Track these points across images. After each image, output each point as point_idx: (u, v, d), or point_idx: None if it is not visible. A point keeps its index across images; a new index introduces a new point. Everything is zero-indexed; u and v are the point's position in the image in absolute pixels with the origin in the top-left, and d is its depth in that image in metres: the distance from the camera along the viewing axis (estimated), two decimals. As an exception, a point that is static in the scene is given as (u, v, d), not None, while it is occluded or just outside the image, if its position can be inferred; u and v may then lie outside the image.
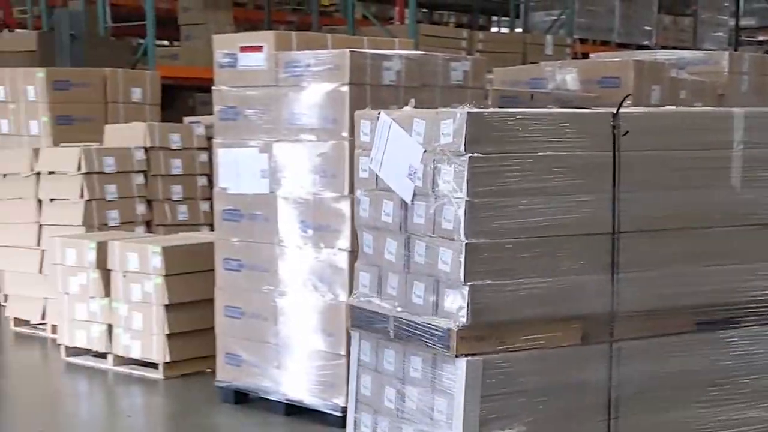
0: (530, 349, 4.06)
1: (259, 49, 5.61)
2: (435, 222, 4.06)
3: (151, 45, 12.09)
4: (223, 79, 5.83)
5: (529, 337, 4.06)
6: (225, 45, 5.86)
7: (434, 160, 4.03)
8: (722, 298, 4.43)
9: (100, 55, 11.67)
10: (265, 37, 5.73)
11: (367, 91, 5.35)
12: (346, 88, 5.31)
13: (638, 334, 4.26)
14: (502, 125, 3.99)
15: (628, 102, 4.59)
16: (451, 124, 3.95)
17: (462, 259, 3.94)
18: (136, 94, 9.43)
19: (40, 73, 8.96)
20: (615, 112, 4.17)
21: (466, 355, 3.96)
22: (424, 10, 20.60)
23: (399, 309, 4.23)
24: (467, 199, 3.92)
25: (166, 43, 17.13)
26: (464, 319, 3.95)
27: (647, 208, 4.25)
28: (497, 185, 3.97)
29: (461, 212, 3.92)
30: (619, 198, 4.17)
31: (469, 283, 3.95)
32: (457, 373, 3.98)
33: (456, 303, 3.98)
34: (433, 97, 5.52)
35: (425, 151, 4.07)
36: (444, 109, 4.13)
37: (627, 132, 4.16)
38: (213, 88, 5.88)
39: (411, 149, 4.13)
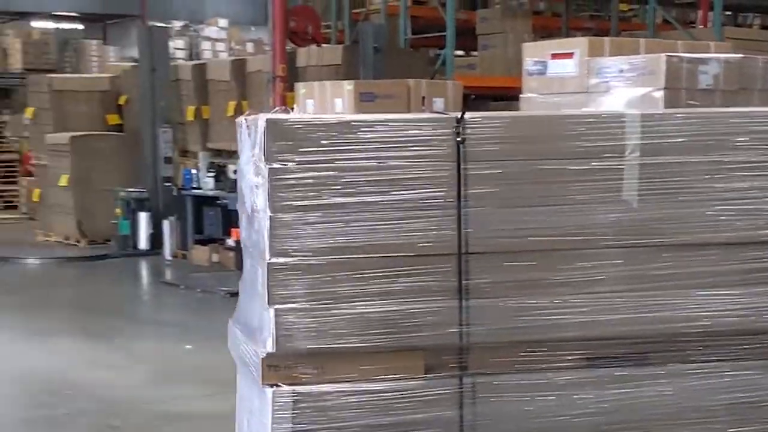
0: (357, 381, 3.58)
1: (569, 55, 5.52)
2: (257, 239, 3.72)
3: (450, 55, 12.27)
4: (532, 86, 5.78)
5: (356, 367, 3.58)
6: (535, 53, 5.81)
7: (253, 170, 3.68)
8: (613, 332, 3.72)
9: (399, 67, 12.00)
10: (578, 44, 5.63)
11: (682, 96, 5.14)
12: (659, 93, 5.10)
13: (500, 369, 3.68)
14: (309, 133, 3.55)
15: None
16: (258, 131, 3.56)
17: (265, 280, 3.54)
18: (438, 104, 9.53)
19: (349, 86, 9.23)
20: (459, 116, 3.62)
21: (273, 386, 3.54)
22: (728, 12, 19.72)
23: (245, 334, 3.87)
24: (270, 214, 3.53)
25: (461, 53, 17.33)
26: (270, 346, 3.53)
27: (502, 227, 3.65)
28: (307, 199, 3.54)
29: (265, 229, 3.55)
30: (467, 215, 3.61)
31: (274, 306, 3.54)
32: (265, 405, 3.57)
33: (266, 328, 3.57)
34: (750, 101, 5.24)
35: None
36: (253, 116, 3.72)
37: (464, 140, 3.57)
38: (521, 96, 5.85)
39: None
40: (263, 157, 3.55)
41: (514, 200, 3.68)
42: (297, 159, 3.55)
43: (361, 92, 9.14)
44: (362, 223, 3.59)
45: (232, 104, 13.27)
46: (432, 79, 11.38)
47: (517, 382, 3.69)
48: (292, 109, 9.11)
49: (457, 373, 3.66)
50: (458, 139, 3.59)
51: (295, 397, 3.55)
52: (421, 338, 3.62)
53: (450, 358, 3.65)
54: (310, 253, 3.57)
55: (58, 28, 24.73)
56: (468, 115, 3.66)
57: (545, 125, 3.77)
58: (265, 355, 3.56)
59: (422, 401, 3.62)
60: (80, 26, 26.92)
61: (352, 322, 3.58)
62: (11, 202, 18.80)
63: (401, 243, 3.61)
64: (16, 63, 20.69)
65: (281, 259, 3.56)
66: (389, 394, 3.60)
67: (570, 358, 3.73)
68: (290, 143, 3.55)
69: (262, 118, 3.57)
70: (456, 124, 3.61)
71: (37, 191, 15.37)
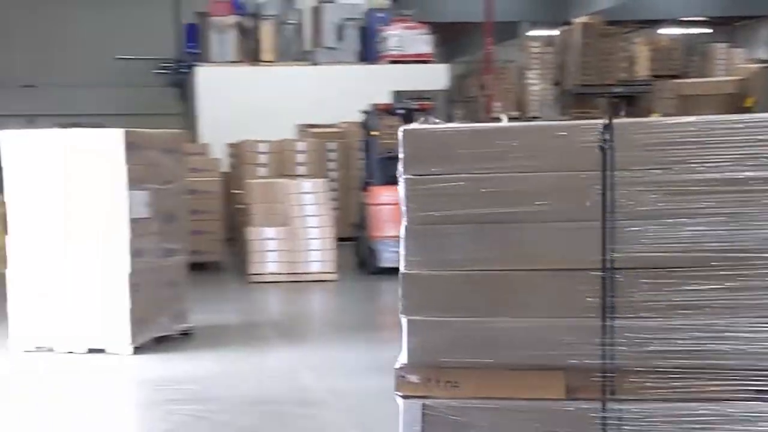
0: (492, 398, 3.45)
1: None
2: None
3: None
4: None
5: (492, 384, 3.44)
6: None
7: None
8: None
9: None
10: None
11: None
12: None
13: (649, 396, 3.38)
14: (446, 143, 3.49)
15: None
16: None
17: (400, 291, 3.48)
18: None
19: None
20: (606, 122, 3.39)
21: (405, 397, 3.47)
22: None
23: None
24: (406, 224, 3.51)
25: None
26: (404, 356, 3.48)
27: (653, 240, 3.38)
28: (444, 210, 3.48)
29: (401, 238, 3.51)
30: (612, 227, 3.38)
31: (407, 317, 3.47)
32: (400, 415, 3.50)
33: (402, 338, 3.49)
34: None
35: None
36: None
37: (610, 147, 3.33)
38: None
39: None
40: (401, 167, 3.56)
41: (666, 211, 3.42)
42: (433, 169, 3.53)
43: None
44: (500, 235, 3.50)
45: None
46: None
47: (668, 413, 3.43)
48: None
49: (601, 397, 3.45)
50: (604, 146, 3.42)
51: (424, 410, 3.52)
52: (562, 357, 3.46)
53: (594, 380, 3.45)
54: (446, 265, 3.51)
55: (685, 33, 25.54)
56: (616, 120, 3.48)
57: (701, 130, 3.46)
58: (399, 365, 3.57)
59: (562, 425, 3.47)
60: (708, 30, 27.55)
61: (488, 337, 3.51)
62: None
63: (541, 256, 3.49)
64: (642, 70, 21.09)
65: (415, 270, 3.53)
66: (526, 414, 3.49)
67: (733, 388, 3.40)
68: (426, 153, 3.53)
69: (401, 129, 3.59)
70: (602, 131, 3.44)
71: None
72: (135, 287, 7.78)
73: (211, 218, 13.07)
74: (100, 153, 7.82)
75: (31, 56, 20.47)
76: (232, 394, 6.54)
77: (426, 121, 3.73)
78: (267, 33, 17.71)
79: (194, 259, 9.94)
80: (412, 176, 3.55)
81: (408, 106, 12.16)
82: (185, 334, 8.50)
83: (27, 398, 6.90)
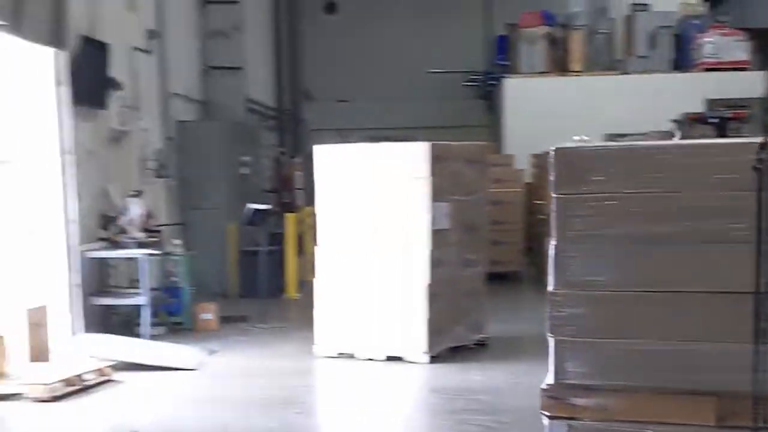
0: (639, 422, 3.36)
1: None
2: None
3: None
4: None
5: (639, 407, 3.32)
6: None
7: None
8: None
9: None
10: None
11: None
12: None
13: None
14: (598, 162, 3.43)
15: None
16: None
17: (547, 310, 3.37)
18: None
19: None
20: (763, 141, 3.15)
21: (551, 417, 3.39)
22: None
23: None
24: (554, 243, 3.44)
25: None
26: (550, 376, 3.41)
27: None
28: (593, 229, 3.42)
29: (551, 257, 3.44)
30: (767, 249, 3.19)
31: (554, 337, 3.39)
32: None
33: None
34: None
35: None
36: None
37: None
38: None
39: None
40: (552, 185, 3.53)
41: None
42: (584, 188, 3.49)
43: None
44: (651, 256, 3.44)
45: None
46: None
47: None
48: None
49: (753, 426, 3.33)
50: (759, 165, 3.28)
51: (570, 431, 3.51)
52: (712, 382, 3.38)
53: (745, 407, 3.33)
54: (594, 286, 3.48)
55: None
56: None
57: None
58: (546, 385, 3.56)
59: None
60: None
61: (636, 360, 3.45)
62: None
63: (693, 278, 3.40)
64: None
65: (562, 290, 3.52)
66: None
67: None
68: (577, 172, 3.49)
69: (553, 147, 3.57)
70: (759, 150, 3.30)
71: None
72: (433, 297, 7.95)
73: (513, 228, 13.13)
74: (405, 166, 8.07)
75: (348, 73, 21.42)
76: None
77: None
78: (577, 43, 17.60)
79: (494, 269, 10.01)
80: (562, 195, 3.52)
81: (721, 115, 11.68)
82: (480, 344, 8.58)
83: (329, 401, 7.24)
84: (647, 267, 3.47)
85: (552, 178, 3.56)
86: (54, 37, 9.44)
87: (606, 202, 3.50)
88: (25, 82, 9.39)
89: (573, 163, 3.54)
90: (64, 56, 9.59)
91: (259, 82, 18.11)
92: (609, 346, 3.51)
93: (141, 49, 12.06)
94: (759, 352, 3.32)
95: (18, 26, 8.65)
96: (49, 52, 9.51)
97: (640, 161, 3.50)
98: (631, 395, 3.46)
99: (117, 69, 10.90)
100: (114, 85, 10.86)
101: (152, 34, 12.51)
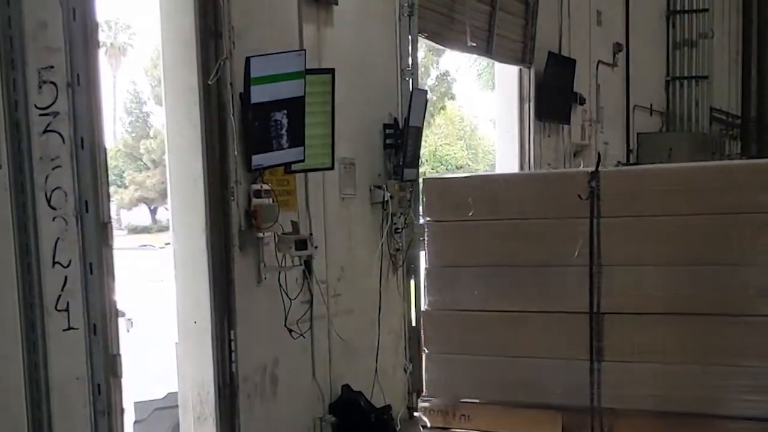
0: None
1: None
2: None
3: None
4: None
5: (494, 420, 3.62)
6: None
7: None
8: None
9: None
10: None
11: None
12: None
13: None
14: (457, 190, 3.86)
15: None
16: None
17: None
18: None
19: None
20: (593, 170, 3.45)
21: (424, 427, 3.81)
22: None
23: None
24: (425, 266, 3.83)
25: None
26: (424, 388, 3.74)
27: (638, 286, 3.43)
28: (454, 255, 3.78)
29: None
30: (599, 272, 3.46)
31: (425, 352, 3.82)
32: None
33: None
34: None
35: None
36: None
37: (597, 194, 3.43)
38: None
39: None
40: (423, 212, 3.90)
41: (650, 257, 3.50)
42: (448, 215, 3.87)
43: None
44: (500, 280, 3.77)
45: None
46: None
47: None
48: None
49: None
50: (582, 195, 3.56)
51: None
52: (556, 397, 3.68)
53: (586, 420, 3.61)
54: (459, 305, 3.86)
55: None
56: (602, 168, 3.59)
57: (684, 177, 3.50)
58: (422, 396, 3.97)
59: None
60: None
61: (493, 375, 3.78)
62: None
63: (535, 299, 3.71)
64: None
65: (431, 309, 3.90)
66: None
67: None
68: (443, 200, 3.89)
69: (422, 178, 3.99)
70: (589, 179, 3.57)
71: None
72: None
73: None
74: None
75: None
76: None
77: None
78: None
79: None
80: (429, 221, 3.87)
81: None
82: None
83: None
84: (500, 289, 3.80)
85: (423, 204, 3.95)
86: (521, 56, 9.81)
87: (464, 230, 3.84)
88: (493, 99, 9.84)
89: (438, 191, 3.94)
90: (530, 74, 9.92)
91: (723, 91, 17.52)
92: (471, 362, 3.85)
93: (606, 63, 12.15)
94: (594, 369, 3.59)
95: (489, 48, 9.09)
96: (514, 70, 9.90)
97: (491, 191, 3.84)
98: (492, 408, 3.80)
99: (581, 83, 11.08)
100: (578, 99, 11.06)
101: (618, 47, 12.56)
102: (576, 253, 3.61)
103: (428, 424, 3.90)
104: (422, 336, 3.94)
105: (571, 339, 3.65)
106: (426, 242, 3.88)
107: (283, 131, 6.17)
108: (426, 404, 3.90)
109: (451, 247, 3.88)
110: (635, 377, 3.55)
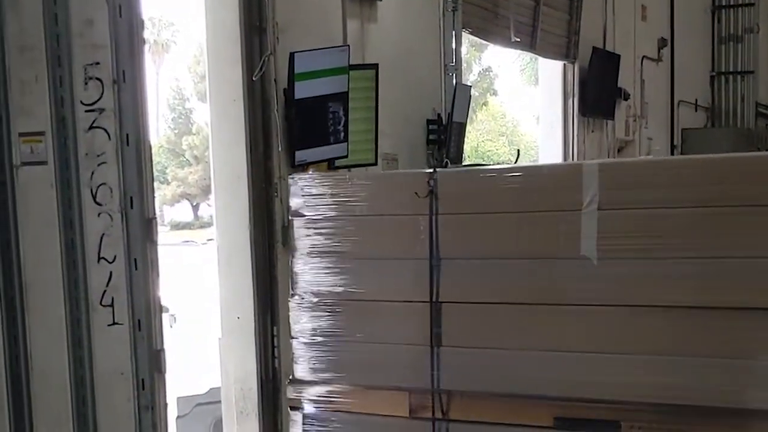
0: (351, 413, 4.10)
1: None
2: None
3: None
4: None
5: (351, 400, 4.10)
6: None
7: None
8: (581, 392, 3.69)
9: None
10: None
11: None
12: None
13: (471, 417, 3.89)
14: (314, 187, 4.20)
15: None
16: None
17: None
18: None
19: None
20: (433, 170, 3.91)
21: (293, 408, 4.27)
22: None
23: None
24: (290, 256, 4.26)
25: None
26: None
27: (470, 277, 3.86)
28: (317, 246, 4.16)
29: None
30: (439, 265, 3.89)
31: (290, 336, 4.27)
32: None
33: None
34: None
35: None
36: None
37: (435, 193, 3.88)
38: None
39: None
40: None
41: (483, 251, 3.82)
42: (306, 212, 4.17)
43: None
44: (354, 271, 4.06)
45: None
46: None
47: None
48: None
49: (430, 417, 3.97)
50: (419, 193, 3.89)
51: (305, 420, 4.21)
52: (402, 380, 4.02)
53: (428, 401, 3.96)
54: (312, 294, 4.16)
55: None
56: (440, 169, 3.97)
57: (511, 178, 3.81)
58: (289, 378, 4.33)
59: None
60: None
61: (347, 359, 4.11)
62: None
63: (382, 290, 4.02)
64: None
65: (295, 297, 4.21)
66: (382, 428, 4.09)
67: (537, 416, 3.75)
68: (305, 196, 4.16)
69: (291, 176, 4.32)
70: (429, 178, 3.90)
71: None
72: None
73: None
74: None
75: None
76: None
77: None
78: None
79: None
80: (294, 218, 4.22)
81: None
82: None
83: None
84: (353, 279, 4.08)
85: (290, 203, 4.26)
86: (566, 51, 9.73)
87: (322, 223, 4.14)
88: (536, 95, 9.79)
89: (303, 189, 4.20)
90: (574, 69, 9.84)
91: (769, 86, 17.31)
92: (327, 346, 4.15)
93: (650, 58, 12.04)
94: (434, 354, 3.94)
95: (533, 43, 9.02)
96: (558, 65, 9.82)
97: (345, 187, 4.11)
98: (353, 389, 4.13)
99: (625, 79, 10.98)
100: (622, 95, 10.96)
101: (662, 43, 12.43)
102: (418, 247, 3.96)
103: (295, 405, 4.32)
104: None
105: (414, 326, 3.98)
106: (293, 237, 4.27)
107: (327, 127, 6.16)
108: (294, 386, 4.30)
109: (316, 241, 4.21)
110: (470, 361, 3.91)
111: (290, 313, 4.23)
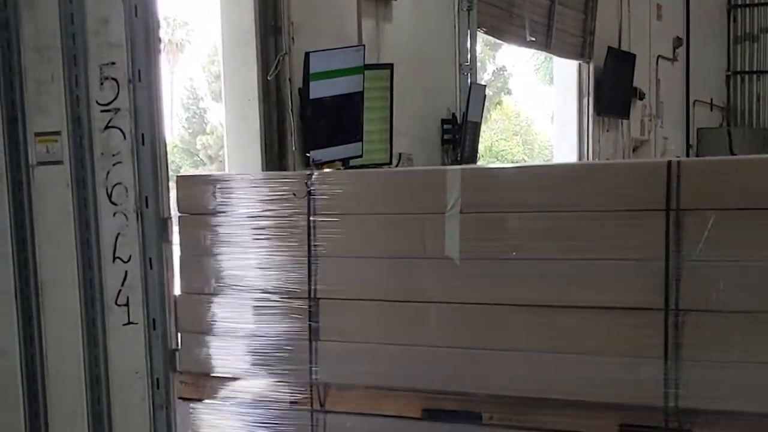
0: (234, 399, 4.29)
1: None
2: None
3: None
4: None
5: (246, 390, 4.27)
6: None
7: None
8: (447, 386, 3.88)
9: None
10: None
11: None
12: None
13: (346, 408, 4.07)
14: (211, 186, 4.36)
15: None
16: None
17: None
18: None
19: None
20: (309, 174, 4.11)
21: (183, 399, 4.34)
22: None
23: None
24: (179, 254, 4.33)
25: None
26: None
27: (340, 277, 4.05)
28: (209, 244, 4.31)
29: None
30: (316, 262, 4.08)
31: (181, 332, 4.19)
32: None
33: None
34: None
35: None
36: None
37: (312, 194, 4.06)
38: None
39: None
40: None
41: (356, 250, 4.01)
42: (192, 210, 4.36)
43: None
44: (237, 267, 4.23)
45: None
46: None
47: (358, 424, 4.03)
48: None
49: (309, 409, 4.16)
50: (294, 193, 4.09)
51: (190, 408, 4.37)
52: (283, 372, 4.18)
53: (307, 394, 4.14)
54: (199, 289, 4.31)
55: None
56: (316, 172, 4.19)
57: (384, 180, 4.16)
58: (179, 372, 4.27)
59: (289, 429, 4.21)
60: None
61: (238, 352, 4.26)
62: None
63: (266, 285, 4.19)
64: None
65: (183, 292, 4.31)
66: (257, 417, 4.27)
67: (408, 408, 3.93)
68: (192, 194, 4.35)
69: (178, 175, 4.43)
70: (306, 181, 4.09)
71: None
72: None
73: None
74: None
75: None
76: None
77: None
78: None
79: None
80: (181, 215, 4.37)
81: None
82: None
83: None
84: (238, 275, 4.25)
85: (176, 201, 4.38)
86: (581, 51, 9.70)
87: (211, 222, 4.31)
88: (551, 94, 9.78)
89: (189, 187, 4.39)
90: (589, 68, 9.82)
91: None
92: (220, 340, 4.29)
93: (666, 57, 11.99)
94: (312, 348, 4.11)
95: (548, 42, 9.00)
96: (573, 64, 9.79)
97: (237, 189, 4.27)
98: (241, 381, 4.28)
99: (640, 78, 10.94)
100: (637, 94, 10.92)
101: (678, 42, 12.39)
102: (297, 245, 4.14)
103: (185, 396, 4.46)
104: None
105: (294, 321, 4.16)
106: (179, 234, 4.40)
107: (342, 126, 6.15)
108: (183, 379, 4.43)
109: (198, 239, 4.40)
110: (345, 355, 4.07)
111: (180, 307, 4.32)
